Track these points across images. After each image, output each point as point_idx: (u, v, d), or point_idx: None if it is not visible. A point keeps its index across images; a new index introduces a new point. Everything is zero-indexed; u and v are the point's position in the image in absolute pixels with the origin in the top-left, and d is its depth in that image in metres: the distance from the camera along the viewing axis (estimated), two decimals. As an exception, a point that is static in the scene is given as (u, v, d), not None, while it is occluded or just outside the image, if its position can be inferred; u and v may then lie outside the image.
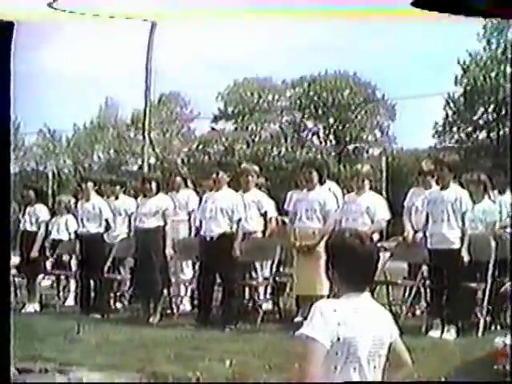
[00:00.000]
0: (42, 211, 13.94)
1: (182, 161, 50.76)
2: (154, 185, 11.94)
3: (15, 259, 14.90)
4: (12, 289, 14.44)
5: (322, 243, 9.65)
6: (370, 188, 11.33)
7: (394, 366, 4.03)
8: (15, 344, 9.21)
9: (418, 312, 11.29)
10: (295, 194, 11.44)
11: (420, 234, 10.77)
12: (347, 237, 3.99)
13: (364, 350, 3.84)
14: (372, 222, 10.83)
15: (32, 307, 13.55)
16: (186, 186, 13.24)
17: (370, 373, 3.87)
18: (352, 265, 3.90)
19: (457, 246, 9.83)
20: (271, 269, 11.63)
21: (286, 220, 11.73)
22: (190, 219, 12.77)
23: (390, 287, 11.11)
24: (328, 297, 7.89)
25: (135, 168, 48.42)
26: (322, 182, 10.85)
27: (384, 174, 29.67)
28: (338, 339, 3.78)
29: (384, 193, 24.16)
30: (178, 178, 13.18)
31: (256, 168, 12.59)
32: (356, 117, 54.47)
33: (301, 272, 10.63)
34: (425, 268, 10.44)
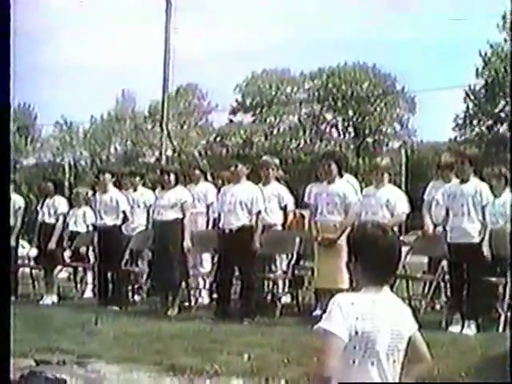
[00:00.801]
0: (61, 203, 13.93)
1: (200, 153, 50.78)
2: (172, 177, 11.90)
3: (33, 251, 14.95)
4: (30, 281, 14.50)
5: (343, 236, 9.59)
6: (390, 181, 11.25)
7: (413, 360, 3.97)
8: (33, 336, 9.27)
9: (437, 307, 11.22)
10: (315, 187, 11.36)
11: (440, 228, 10.67)
12: (370, 228, 3.94)
13: (382, 345, 3.79)
14: (392, 215, 10.75)
15: (50, 299, 13.55)
16: (206, 179, 13.21)
17: (388, 367, 3.82)
18: (375, 257, 3.84)
19: (477, 240, 9.72)
20: (290, 262, 11.57)
21: (305, 213, 11.65)
22: (208, 212, 12.74)
23: (410, 281, 11.05)
24: (348, 290, 7.83)
25: (152, 160, 48.49)
26: (341, 175, 10.77)
27: (403, 168, 29.54)
28: (356, 333, 3.74)
29: (403, 186, 24.07)
30: (198, 171, 13.15)
31: (276, 161, 12.55)
32: (375, 109, 54.31)
33: (321, 265, 10.56)
34: (445, 262, 10.35)
